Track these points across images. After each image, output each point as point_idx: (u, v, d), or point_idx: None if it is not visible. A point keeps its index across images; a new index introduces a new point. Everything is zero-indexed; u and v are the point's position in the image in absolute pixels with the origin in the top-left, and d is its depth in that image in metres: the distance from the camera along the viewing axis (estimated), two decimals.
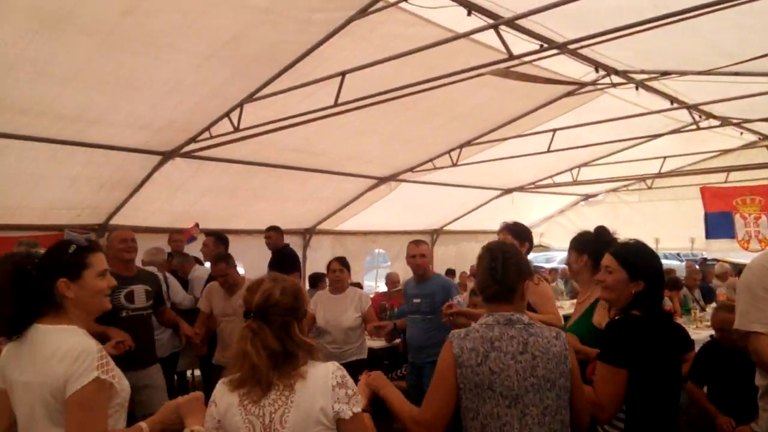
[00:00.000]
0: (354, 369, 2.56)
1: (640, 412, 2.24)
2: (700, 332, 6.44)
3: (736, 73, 5.24)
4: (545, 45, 4.75)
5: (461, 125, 7.08)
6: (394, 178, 8.41)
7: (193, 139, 5.58)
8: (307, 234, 9.11)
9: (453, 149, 7.78)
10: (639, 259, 2.39)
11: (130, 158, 5.61)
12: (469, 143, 7.63)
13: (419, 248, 4.71)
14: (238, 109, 5.12)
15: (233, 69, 4.56)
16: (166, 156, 5.79)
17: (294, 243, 8.96)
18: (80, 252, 1.97)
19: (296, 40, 4.38)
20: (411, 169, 8.24)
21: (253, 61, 4.50)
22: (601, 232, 3.08)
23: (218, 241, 5.80)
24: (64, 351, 1.81)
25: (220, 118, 5.28)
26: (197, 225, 7.06)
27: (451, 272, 11.05)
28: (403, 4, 3.95)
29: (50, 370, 1.80)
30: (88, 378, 1.79)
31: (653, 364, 2.23)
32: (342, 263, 5.00)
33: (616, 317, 2.40)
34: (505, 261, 2.12)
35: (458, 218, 11.03)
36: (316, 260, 9.20)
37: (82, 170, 5.50)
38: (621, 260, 2.38)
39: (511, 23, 4.01)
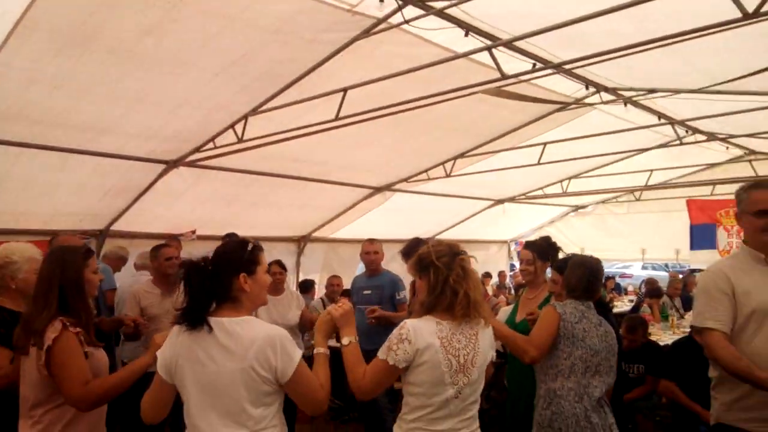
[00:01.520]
0: None
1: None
2: (676, 338, 6.70)
3: (719, 92, 5.49)
4: (538, 64, 5.01)
5: (456, 138, 7.29)
6: (389, 187, 8.59)
7: (198, 149, 5.74)
8: (302, 241, 9.25)
9: (447, 161, 7.98)
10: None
11: (136, 167, 5.76)
12: (462, 155, 7.84)
13: (373, 246, 5.39)
14: (243, 122, 5.30)
15: (240, 85, 4.74)
16: (170, 165, 5.95)
17: (288, 250, 9.16)
18: (255, 250, 2.20)
19: (302, 58, 4.57)
20: (406, 180, 8.43)
21: (259, 77, 4.68)
22: (551, 243, 4.08)
23: None
24: (264, 338, 2.02)
25: (225, 130, 5.46)
26: (194, 231, 7.21)
27: None
28: (404, 26, 4.14)
29: (258, 357, 2.00)
30: (298, 357, 2.06)
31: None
32: (281, 266, 5.37)
33: None
34: (596, 273, 3.16)
35: (450, 227, 11.21)
36: (308, 267, 9.39)
37: (89, 178, 5.65)
38: (560, 271, 3.35)
39: (505, 44, 4.21)
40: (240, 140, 5.37)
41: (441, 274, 2.31)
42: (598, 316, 3.08)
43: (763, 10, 2.70)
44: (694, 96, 5.73)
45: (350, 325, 2.36)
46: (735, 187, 8.27)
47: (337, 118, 4.68)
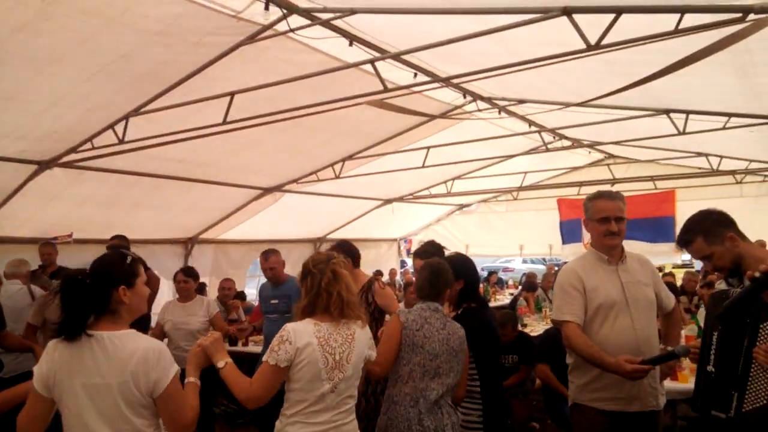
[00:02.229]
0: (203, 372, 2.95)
1: (487, 377, 3.24)
2: (548, 327, 7.36)
3: (579, 104, 6.09)
4: (419, 74, 5.31)
5: (344, 141, 7.48)
6: (279, 188, 8.62)
7: (74, 150, 5.47)
8: (189, 243, 9.03)
9: (336, 162, 8.15)
10: (456, 266, 3.34)
11: (3, 167, 5.38)
12: (351, 157, 8.04)
13: (268, 262, 5.23)
14: (124, 122, 5.13)
15: (120, 84, 4.60)
16: (42, 166, 5.62)
17: (175, 252, 8.90)
18: (134, 263, 2.24)
19: (186, 60, 4.51)
20: (295, 181, 8.51)
21: (141, 77, 4.57)
22: (437, 247, 4.09)
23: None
24: (143, 351, 2.06)
25: (104, 130, 5.24)
26: (70, 235, 6.84)
27: None
28: (290, 33, 4.23)
29: (135, 370, 2.04)
30: (171, 374, 2.09)
31: (488, 340, 3.34)
32: (186, 274, 5.42)
33: (459, 310, 3.40)
34: (439, 273, 3.16)
35: (341, 227, 11.41)
36: (197, 270, 9.15)
37: None
38: None
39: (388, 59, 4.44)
40: (121, 141, 5.20)
41: (315, 279, 2.56)
42: (443, 319, 3.09)
43: (603, 43, 3.11)
44: (559, 107, 6.33)
45: (222, 351, 2.45)
46: (597, 187, 9.23)
47: (224, 122, 4.67)
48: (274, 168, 7.89)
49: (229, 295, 7.34)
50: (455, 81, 4.64)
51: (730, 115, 5.69)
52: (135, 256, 2.26)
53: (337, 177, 8.31)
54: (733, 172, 8.99)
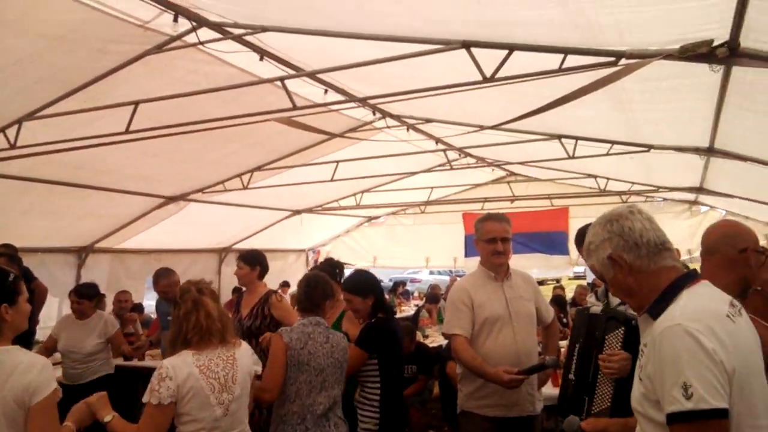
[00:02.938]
0: (98, 385, 2.91)
1: (388, 386, 3.35)
2: None
3: (481, 127, 6.43)
4: (329, 90, 5.43)
5: (253, 152, 7.43)
6: (183, 197, 8.40)
7: None
8: (83, 252, 8.58)
9: (244, 173, 8.07)
10: (362, 283, 3.53)
11: None
12: (259, 168, 7.99)
13: (158, 287, 5.31)
14: (16, 126, 4.85)
15: (14, 88, 4.37)
16: None
17: (66, 261, 8.42)
18: (16, 280, 2.24)
19: (88, 66, 4.36)
20: (201, 190, 8.33)
21: (38, 81, 4.36)
22: (334, 264, 4.35)
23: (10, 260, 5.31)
24: (25, 366, 2.08)
25: None
26: None
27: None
28: (199, 45, 4.21)
29: (14, 383, 2.04)
30: (50, 388, 2.09)
31: (394, 348, 3.48)
32: (79, 294, 5.19)
33: (372, 321, 3.51)
34: (315, 286, 3.22)
35: (248, 237, 11.25)
36: (93, 280, 8.70)
37: None
38: (350, 289, 3.53)
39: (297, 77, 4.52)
40: (12, 146, 4.91)
41: (178, 311, 2.61)
42: (326, 332, 3.16)
43: (498, 75, 3.38)
44: (464, 128, 6.65)
45: (107, 406, 2.44)
46: (500, 203, 9.75)
47: (127, 131, 4.55)
48: (179, 177, 7.69)
49: (126, 308, 7.08)
50: (382, 101, 4.78)
51: (612, 142, 6.24)
52: (16, 274, 2.25)
53: (245, 188, 8.23)
54: (619, 193, 9.77)
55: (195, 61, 4.58)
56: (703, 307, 1.62)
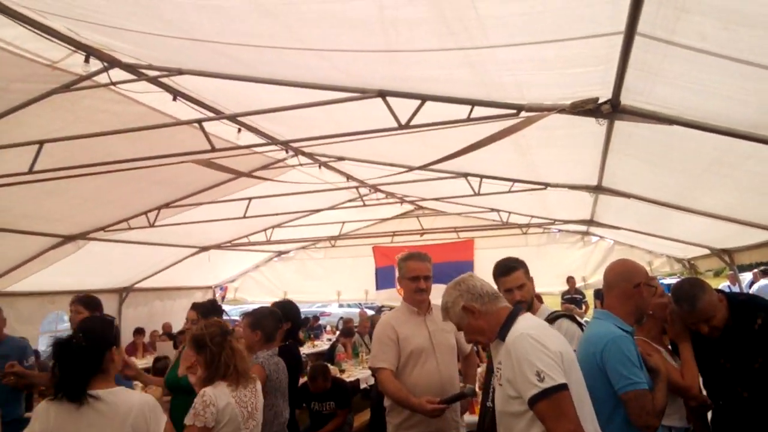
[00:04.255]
0: None
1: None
2: (365, 372, 7.78)
3: (391, 164, 6.70)
4: (243, 129, 5.45)
5: (161, 189, 7.23)
6: (83, 236, 7.99)
7: None
8: None
9: (151, 210, 7.82)
10: (285, 310, 4.07)
11: None
12: (167, 206, 7.78)
13: None
14: None
15: None
16: None
17: None
18: (114, 325, 2.65)
19: None
20: (102, 228, 7.96)
21: None
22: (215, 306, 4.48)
23: None
24: (139, 406, 2.41)
25: None
26: None
27: (139, 331, 10.72)
28: (111, 86, 4.13)
29: (135, 423, 2.36)
30: (163, 424, 2.45)
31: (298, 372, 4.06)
32: None
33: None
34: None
35: (151, 275, 10.81)
36: None
37: None
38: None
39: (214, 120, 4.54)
40: None
41: (215, 354, 2.91)
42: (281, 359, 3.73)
43: (412, 123, 3.60)
44: (376, 166, 6.89)
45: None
46: (409, 237, 10.01)
47: (30, 172, 4.33)
48: (79, 215, 7.31)
49: None
50: (307, 144, 4.89)
51: (514, 180, 6.70)
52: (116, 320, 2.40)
53: (152, 225, 7.97)
54: (520, 226, 10.37)
55: (104, 100, 4.47)
56: (534, 322, 2.41)
